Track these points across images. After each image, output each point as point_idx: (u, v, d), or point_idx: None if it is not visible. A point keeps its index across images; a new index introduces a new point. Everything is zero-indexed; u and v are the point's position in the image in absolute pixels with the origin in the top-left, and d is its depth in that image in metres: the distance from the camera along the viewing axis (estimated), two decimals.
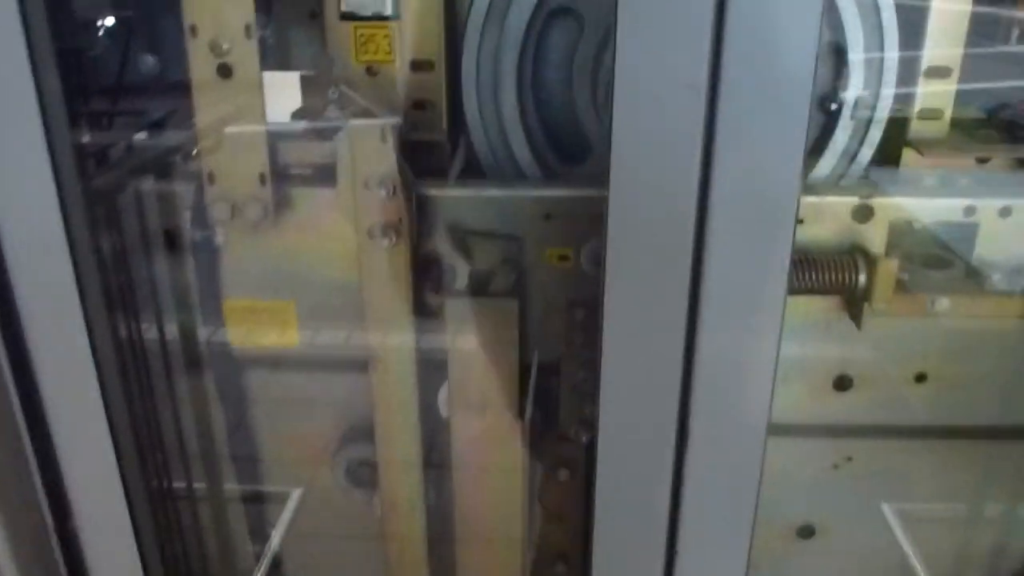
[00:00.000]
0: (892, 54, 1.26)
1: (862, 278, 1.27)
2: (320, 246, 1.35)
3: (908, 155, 1.31)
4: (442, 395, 1.39)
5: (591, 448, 1.46)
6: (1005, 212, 1.27)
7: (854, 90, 1.28)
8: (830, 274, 1.27)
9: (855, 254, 1.27)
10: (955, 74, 1.28)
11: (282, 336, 1.42)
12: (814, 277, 1.27)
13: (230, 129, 1.25)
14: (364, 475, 1.48)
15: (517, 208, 1.30)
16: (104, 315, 1.23)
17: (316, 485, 1.51)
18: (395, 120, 1.24)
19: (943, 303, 1.29)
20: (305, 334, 1.41)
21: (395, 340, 1.32)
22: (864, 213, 1.28)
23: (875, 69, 1.28)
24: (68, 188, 1.13)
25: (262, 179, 1.29)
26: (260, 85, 1.23)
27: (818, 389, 1.39)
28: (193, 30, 1.21)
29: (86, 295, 1.17)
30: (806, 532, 1.52)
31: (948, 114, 1.30)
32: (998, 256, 1.29)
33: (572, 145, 1.38)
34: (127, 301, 1.35)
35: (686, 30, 0.95)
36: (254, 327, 1.41)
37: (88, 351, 1.19)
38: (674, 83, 0.96)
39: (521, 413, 1.37)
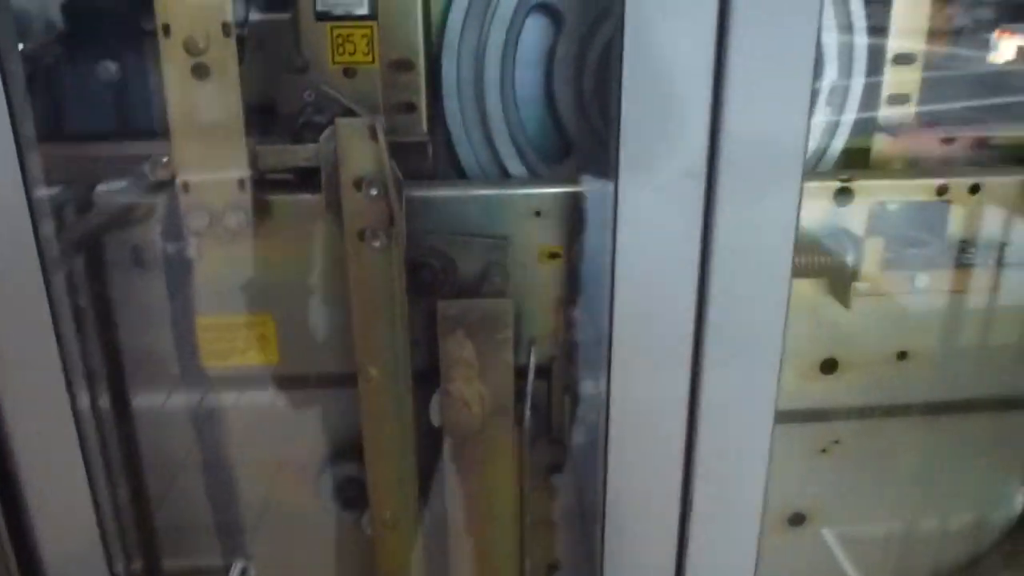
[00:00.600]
0: (861, 42, 1.31)
1: (850, 258, 1.30)
2: (302, 256, 1.30)
3: (879, 139, 1.36)
4: (434, 404, 1.35)
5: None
6: (975, 189, 1.33)
7: (828, 78, 1.32)
8: (819, 257, 1.30)
9: (841, 235, 1.31)
10: (920, 61, 1.34)
11: (261, 353, 1.35)
12: (804, 261, 1.29)
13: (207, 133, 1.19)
14: (352, 494, 1.42)
15: (508, 206, 1.29)
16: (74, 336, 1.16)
17: (302, 507, 1.43)
18: (382, 117, 1.20)
19: (923, 279, 1.34)
20: (286, 350, 1.35)
21: (387, 346, 1.27)
22: (845, 196, 1.32)
23: (846, 57, 1.32)
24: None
25: (241, 185, 1.23)
26: (238, 85, 1.18)
27: (806, 373, 1.42)
28: (166, 29, 1.15)
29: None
30: (797, 520, 1.54)
31: (915, 99, 1.35)
32: (970, 232, 1.35)
33: (552, 144, 1.38)
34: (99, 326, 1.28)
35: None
36: (230, 345, 1.34)
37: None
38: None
39: (519, 419, 1.34)
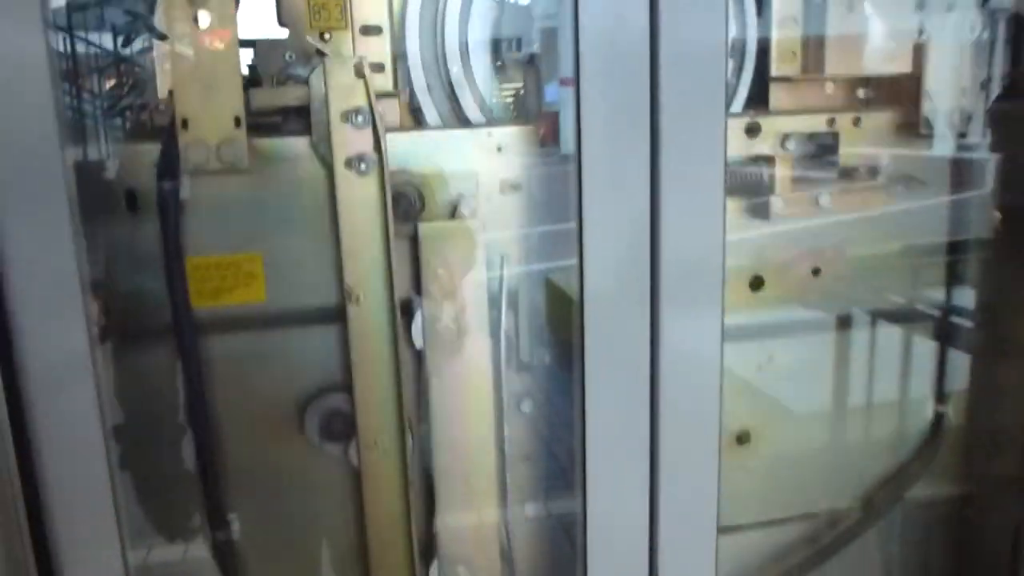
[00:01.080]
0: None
1: (766, 175, 1.53)
2: (290, 195, 1.42)
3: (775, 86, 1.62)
4: (415, 326, 1.46)
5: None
6: (856, 122, 1.60)
7: (729, 34, 1.58)
8: (743, 177, 1.53)
9: (756, 160, 1.54)
10: (799, 22, 1.62)
11: (249, 291, 1.44)
12: (734, 179, 1.52)
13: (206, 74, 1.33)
14: (337, 427, 1.48)
15: (473, 143, 1.47)
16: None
17: (288, 444, 1.48)
18: (366, 57, 1.38)
19: (825, 198, 1.57)
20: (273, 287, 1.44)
21: (373, 269, 1.39)
22: (754, 129, 1.56)
23: (741, 19, 1.60)
24: None
25: (237, 122, 1.36)
26: (236, 29, 1.33)
27: (737, 290, 1.61)
28: None
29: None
30: (744, 437, 1.69)
31: (799, 54, 1.63)
32: (856, 158, 1.61)
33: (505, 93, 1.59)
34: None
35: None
36: (219, 284, 1.43)
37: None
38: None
39: (495, 330, 1.47)
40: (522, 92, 1.62)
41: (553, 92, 1.52)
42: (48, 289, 1.12)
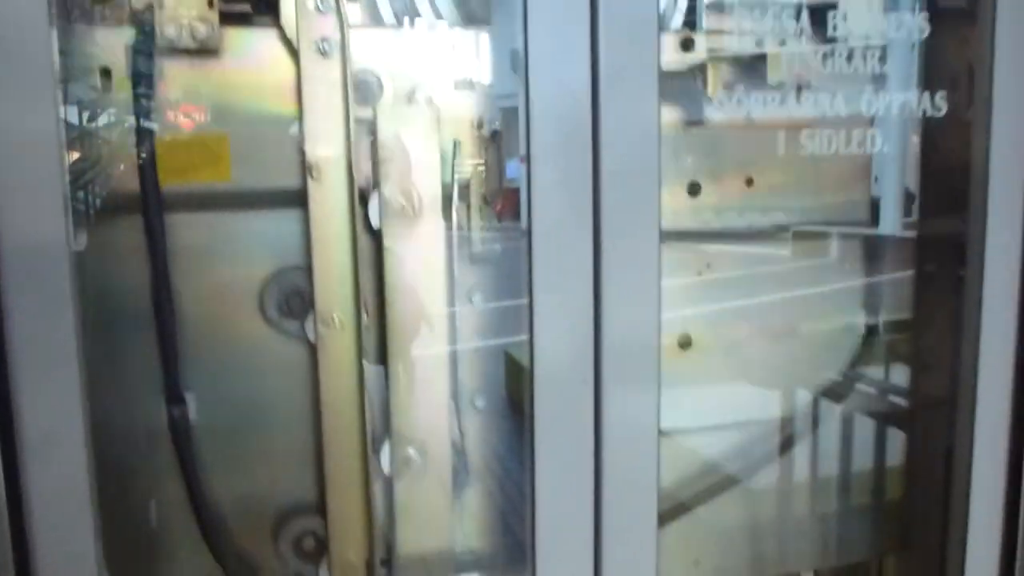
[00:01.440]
0: None
1: (699, 81, 1.66)
2: (258, 80, 1.52)
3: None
4: (373, 205, 1.54)
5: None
6: (783, 43, 1.75)
7: None
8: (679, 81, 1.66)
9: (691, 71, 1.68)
10: None
11: (215, 170, 1.52)
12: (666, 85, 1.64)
13: None
14: (296, 306, 1.55)
15: (430, 41, 1.59)
16: None
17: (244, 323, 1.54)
18: None
19: (757, 110, 1.70)
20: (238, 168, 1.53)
21: (335, 145, 1.49)
22: (688, 44, 1.70)
23: None
24: None
25: (210, 3, 1.46)
26: None
27: (675, 196, 1.72)
28: None
29: None
30: (685, 342, 1.77)
31: None
32: (784, 73, 1.75)
33: None
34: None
35: None
36: (187, 161, 1.51)
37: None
38: None
39: (447, 214, 1.56)
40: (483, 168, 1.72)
41: (514, 169, 1.65)
42: (46, 353, 1.18)
